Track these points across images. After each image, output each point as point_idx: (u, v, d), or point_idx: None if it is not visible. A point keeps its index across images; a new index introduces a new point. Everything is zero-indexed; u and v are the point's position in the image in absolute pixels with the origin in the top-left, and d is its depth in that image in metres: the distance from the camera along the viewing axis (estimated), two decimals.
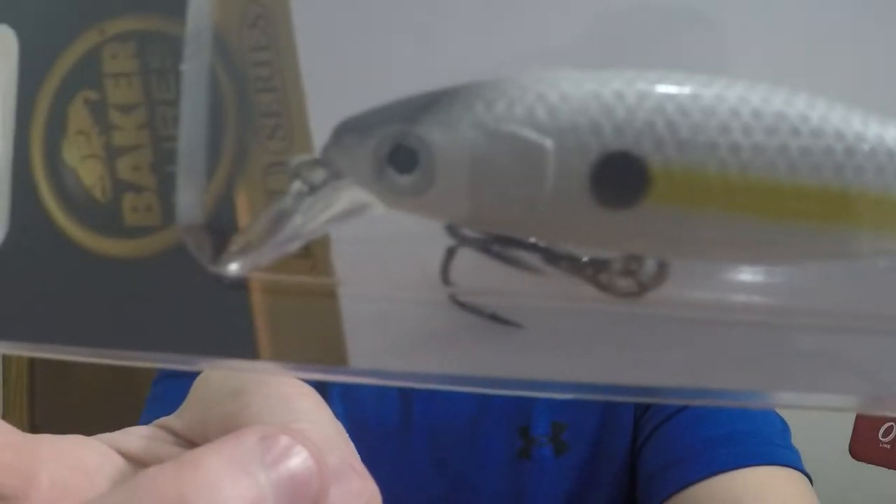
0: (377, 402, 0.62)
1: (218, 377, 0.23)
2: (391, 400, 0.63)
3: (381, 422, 0.62)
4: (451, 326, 0.19)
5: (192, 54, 0.19)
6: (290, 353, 0.19)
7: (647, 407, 0.62)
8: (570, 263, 0.18)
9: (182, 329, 0.20)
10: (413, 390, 0.62)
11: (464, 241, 0.18)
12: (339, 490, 0.20)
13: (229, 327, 0.19)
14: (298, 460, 0.18)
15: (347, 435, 0.22)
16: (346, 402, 0.61)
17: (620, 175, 0.17)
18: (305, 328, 0.19)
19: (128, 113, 0.20)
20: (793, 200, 0.17)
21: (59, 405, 1.90)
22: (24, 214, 0.20)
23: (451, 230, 0.18)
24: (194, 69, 0.19)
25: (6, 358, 1.85)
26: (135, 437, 0.23)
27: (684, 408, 0.60)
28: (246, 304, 0.19)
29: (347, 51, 0.19)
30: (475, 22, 0.19)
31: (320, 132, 0.19)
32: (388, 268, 0.19)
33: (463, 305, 0.18)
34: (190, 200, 0.19)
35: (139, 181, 0.20)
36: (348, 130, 0.18)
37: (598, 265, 0.18)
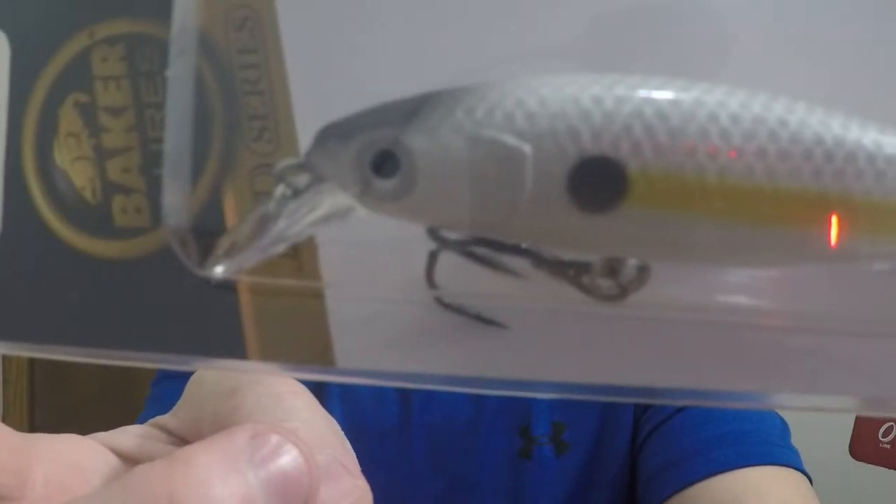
0: (376, 403, 0.62)
1: (212, 376, 0.23)
2: (390, 400, 0.63)
3: (380, 422, 0.62)
4: (438, 327, 0.19)
5: (176, 58, 0.19)
6: (278, 353, 0.20)
7: (646, 407, 0.62)
8: (551, 266, 0.18)
9: (171, 329, 0.20)
10: (412, 390, 0.62)
11: (445, 244, 0.18)
12: (329, 488, 0.20)
13: (218, 327, 0.20)
14: (288, 458, 0.18)
15: (342, 433, 0.22)
16: (345, 403, 0.61)
17: (598, 179, 0.17)
18: (293, 328, 0.19)
19: (117, 115, 0.20)
20: (771, 204, 0.17)
21: (58, 405, 1.91)
22: (16, 215, 0.20)
23: (433, 233, 0.18)
24: (179, 72, 0.19)
25: (6, 358, 1.85)
26: (129, 435, 0.23)
27: (684, 408, 0.60)
28: (234, 305, 0.19)
29: (334, 53, 0.19)
30: (463, 24, 0.19)
31: (307, 135, 0.19)
32: (375, 269, 0.19)
33: (448, 306, 0.19)
34: (176, 203, 0.19)
35: (128, 183, 0.20)
36: (330, 135, 0.18)
37: (580, 268, 0.18)
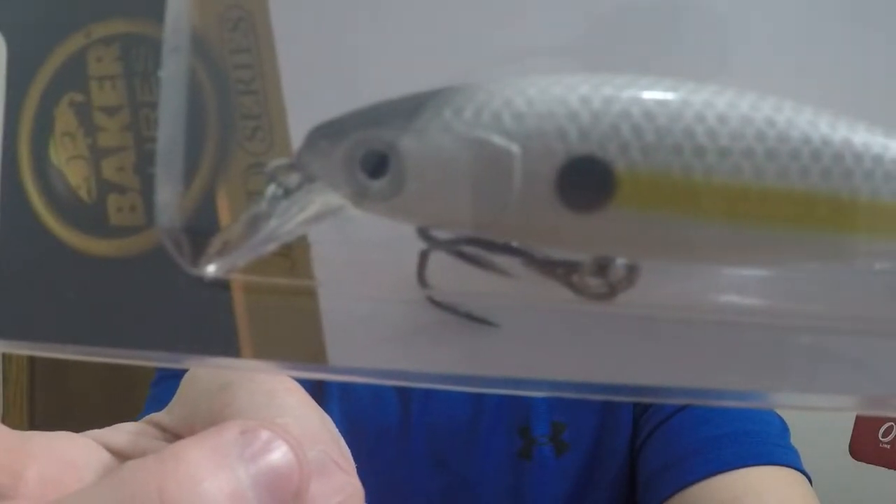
0: (375, 402, 0.62)
1: (206, 374, 0.23)
2: (389, 399, 0.63)
3: (380, 422, 0.62)
4: (430, 325, 0.19)
5: (169, 57, 0.19)
6: (271, 351, 0.20)
7: (646, 407, 0.62)
8: (541, 265, 0.18)
9: (166, 327, 0.20)
10: (411, 390, 0.62)
11: (435, 243, 0.18)
12: (320, 484, 0.20)
13: (212, 326, 0.20)
14: (278, 454, 0.18)
15: (336, 431, 0.22)
16: (344, 403, 0.61)
17: (586, 179, 0.17)
18: (286, 327, 0.19)
19: (112, 115, 0.20)
20: (759, 204, 0.17)
21: (58, 404, 1.91)
22: (12, 214, 0.21)
23: (423, 233, 0.18)
24: (173, 72, 0.19)
25: (6, 356, 1.85)
26: (123, 433, 0.23)
27: (684, 408, 0.60)
28: (228, 303, 0.20)
29: (327, 54, 0.19)
30: (461, 24, 0.19)
31: (300, 134, 0.19)
32: (367, 268, 0.19)
33: (439, 305, 0.19)
34: (169, 202, 0.19)
35: (123, 182, 0.20)
36: (321, 135, 0.19)
37: (569, 267, 0.18)
